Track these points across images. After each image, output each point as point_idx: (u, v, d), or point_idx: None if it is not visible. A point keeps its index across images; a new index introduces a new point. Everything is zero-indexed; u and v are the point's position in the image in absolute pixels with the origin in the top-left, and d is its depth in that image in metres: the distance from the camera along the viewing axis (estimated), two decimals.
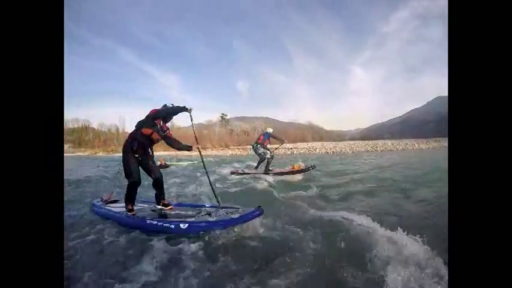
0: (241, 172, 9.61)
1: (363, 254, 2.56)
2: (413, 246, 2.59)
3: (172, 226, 3.45)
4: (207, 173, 4.63)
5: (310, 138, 73.89)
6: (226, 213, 3.75)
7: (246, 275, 2.39)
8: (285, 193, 5.98)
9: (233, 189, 6.76)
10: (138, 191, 4.14)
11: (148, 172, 4.23)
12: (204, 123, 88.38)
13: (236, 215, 3.50)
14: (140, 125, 4.08)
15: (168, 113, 4.16)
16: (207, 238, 3.18)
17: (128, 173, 3.97)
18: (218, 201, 4.20)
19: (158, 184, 4.27)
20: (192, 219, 3.62)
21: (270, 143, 9.59)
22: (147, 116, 4.10)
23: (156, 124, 4.10)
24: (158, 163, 14.99)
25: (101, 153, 63.40)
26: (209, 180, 4.54)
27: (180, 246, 3.03)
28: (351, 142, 49.02)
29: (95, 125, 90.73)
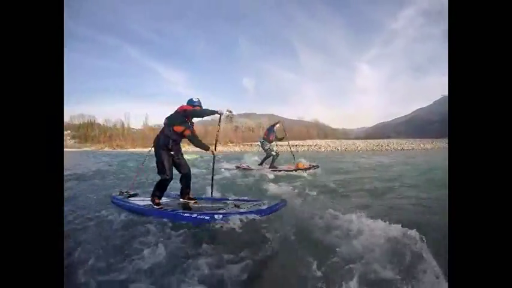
0: (246, 167, 9.72)
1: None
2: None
3: (207, 217, 3.59)
4: (213, 170, 4.82)
5: (315, 135, 73.68)
6: (254, 205, 4.02)
7: None
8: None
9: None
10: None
11: (178, 167, 4.34)
12: (209, 120, 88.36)
13: (264, 207, 3.80)
14: (171, 122, 4.15)
15: (199, 114, 4.25)
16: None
17: (162, 170, 4.06)
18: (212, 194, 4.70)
19: (186, 179, 4.43)
20: (224, 211, 3.76)
21: (276, 134, 9.66)
22: (177, 113, 4.18)
23: (186, 121, 4.19)
24: None
25: (106, 149, 63.87)
26: (212, 176, 4.83)
27: None
28: (356, 141, 48.83)
29: (100, 120, 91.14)
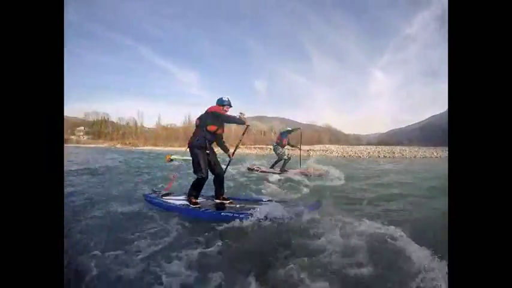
0: (258, 169, 9.90)
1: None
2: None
3: (244, 216, 3.73)
4: (225, 170, 4.82)
5: (327, 140, 73.12)
6: (292, 205, 4.19)
7: None
8: None
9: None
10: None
11: (212, 168, 4.43)
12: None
13: (301, 207, 3.95)
14: (204, 122, 4.29)
15: (228, 121, 4.34)
16: None
17: (198, 169, 4.19)
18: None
19: (219, 180, 4.54)
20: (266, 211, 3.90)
21: (289, 140, 9.97)
22: (208, 114, 4.30)
23: (221, 123, 4.38)
24: (167, 158, 15.95)
25: (119, 145, 64.69)
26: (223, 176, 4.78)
27: None
28: (368, 147, 48.33)
29: (114, 118, 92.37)
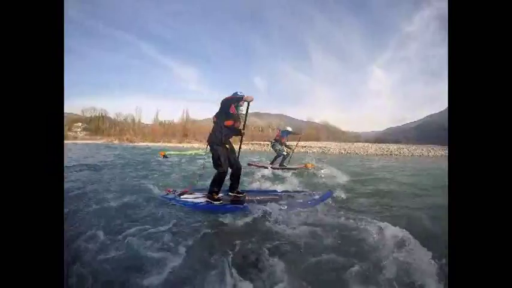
0: (257, 165, 10.14)
1: None
2: None
3: (269, 209, 3.77)
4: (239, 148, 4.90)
5: (324, 138, 73.29)
6: (305, 195, 4.63)
7: None
8: None
9: None
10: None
11: (231, 164, 4.49)
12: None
13: (317, 196, 4.34)
14: (221, 118, 4.38)
15: (231, 101, 4.27)
16: None
17: (218, 164, 4.27)
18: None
19: (237, 175, 4.63)
20: (284, 202, 4.08)
21: (287, 140, 10.35)
22: (222, 107, 4.34)
23: (232, 114, 4.42)
24: (161, 155, 16.31)
25: (116, 142, 64.67)
26: (239, 152, 4.86)
27: None
28: (365, 144, 48.50)
29: (111, 114, 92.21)
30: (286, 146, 10.17)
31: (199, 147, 35.05)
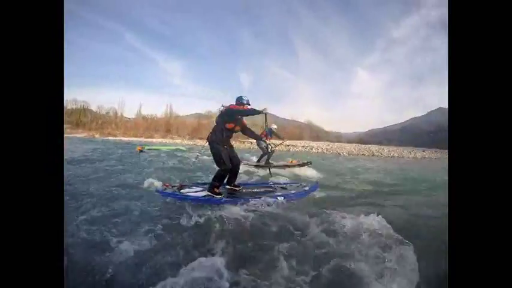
0: (245, 163, 10.17)
1: None
2: None
3: (270, 200, 4.29)
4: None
5: (307, 137, 73.83)
6: (298, 186, 5.22)
7: None
8: None
9: None
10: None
11: (231, 159, 4.79)
12: (204, 114, 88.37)
13: (307, 188, 5.03)
14: (223, 120, 4.66)
15: (247, 114, 4.69)
16: None
17: (221, 162, 4.57)
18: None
19: (235, 171, 5.01)
20: (280, 193, 4.66)
21: (271, 138, 10.57)
22: (228, 111, 4.66)
23: (237, 119, 4.75)
24: (137, 149, 16.11)
25: (97, 136, 63.56)
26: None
27: None
28: (347, 144, 49.18)
29: (93, 107, 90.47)
30: (271, 143, 10.21)
31: (183, 143, 34.80)
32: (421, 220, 3.90)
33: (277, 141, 11.47)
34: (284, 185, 5.34)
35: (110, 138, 54.78)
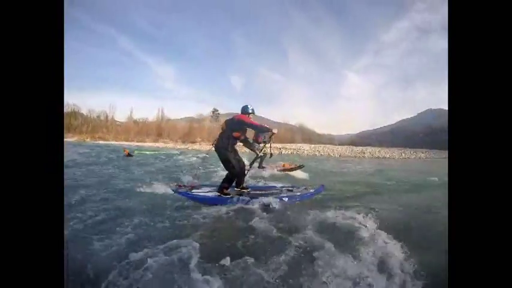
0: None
1: None
2: None
3: (277, 199, 4.64)
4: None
5: (299, 139, 73.94)
6: (304, 189, 5.44)
7: None
8: None
9: None
10: None
11: (238, 164, 5.07)
12: (195, 117, 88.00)
13: (312, 190, 5.32)
14: (231, 128, 5.03)
15: (255, 129, 5.13)
16: None
17: (230, 167, 4.93)
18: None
19: (242, 172, 5.21)
20: (285, 195, 4.98)
21: (264, 141, 10.24)
22: (235, 121, 5.04)
23: (245, 130, 5.15)
24: (124, 153, 15.92)
25: (88, 140, 62.82)
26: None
27: None
28: (339, 146, 49.44)
29: (84, 110, 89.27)
30: (264, 144, 10.15)
31: (175, 147, 34.57)
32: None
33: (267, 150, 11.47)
34: (291, 188, 5.55)
35: (101, 142, 54.18)
